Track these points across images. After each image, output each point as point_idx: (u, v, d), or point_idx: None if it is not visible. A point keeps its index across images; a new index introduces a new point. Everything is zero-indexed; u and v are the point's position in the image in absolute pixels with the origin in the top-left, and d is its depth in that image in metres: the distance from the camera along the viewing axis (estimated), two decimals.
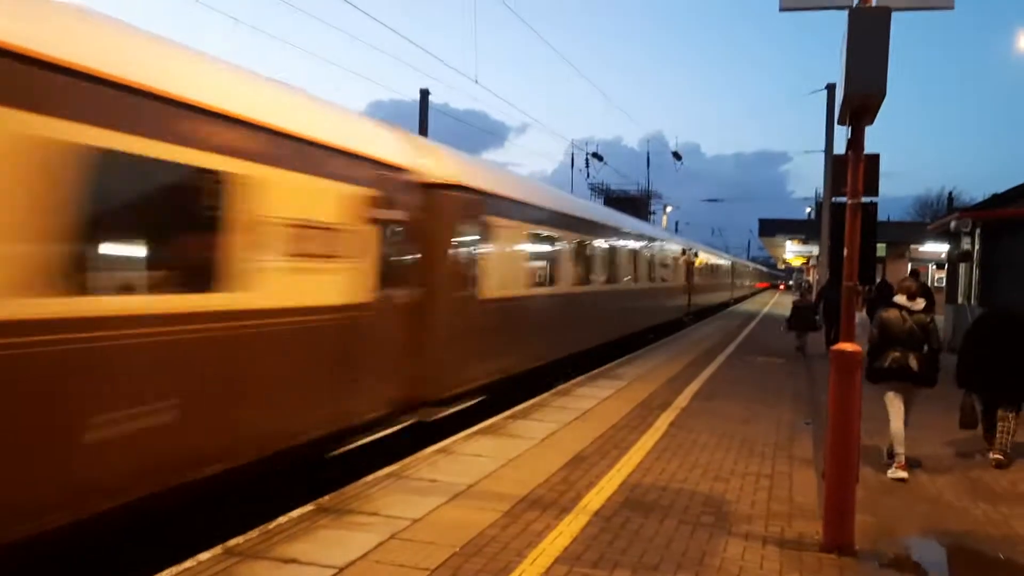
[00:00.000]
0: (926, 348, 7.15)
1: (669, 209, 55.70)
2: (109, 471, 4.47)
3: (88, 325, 4.26)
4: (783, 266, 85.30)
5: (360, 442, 7.13)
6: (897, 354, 7.12)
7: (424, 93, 24.13)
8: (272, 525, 5.20)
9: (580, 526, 5.36)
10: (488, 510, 5.62)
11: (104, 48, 4.51)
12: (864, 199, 5.23)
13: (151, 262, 5.13)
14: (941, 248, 26.46)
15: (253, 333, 5.61)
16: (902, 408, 7.26)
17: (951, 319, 18.40)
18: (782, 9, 5.19)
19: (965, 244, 18.05)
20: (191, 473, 5.09)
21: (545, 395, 10.84)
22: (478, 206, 9.23)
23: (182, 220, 5.33)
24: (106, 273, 4.67)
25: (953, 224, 17.77)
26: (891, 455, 7.20)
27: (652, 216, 44.58)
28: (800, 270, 66.22)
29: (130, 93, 4.50)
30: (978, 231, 17.16)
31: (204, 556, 4.64)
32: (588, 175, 37.88)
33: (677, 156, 39.04)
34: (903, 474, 6.93)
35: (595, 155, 35.83)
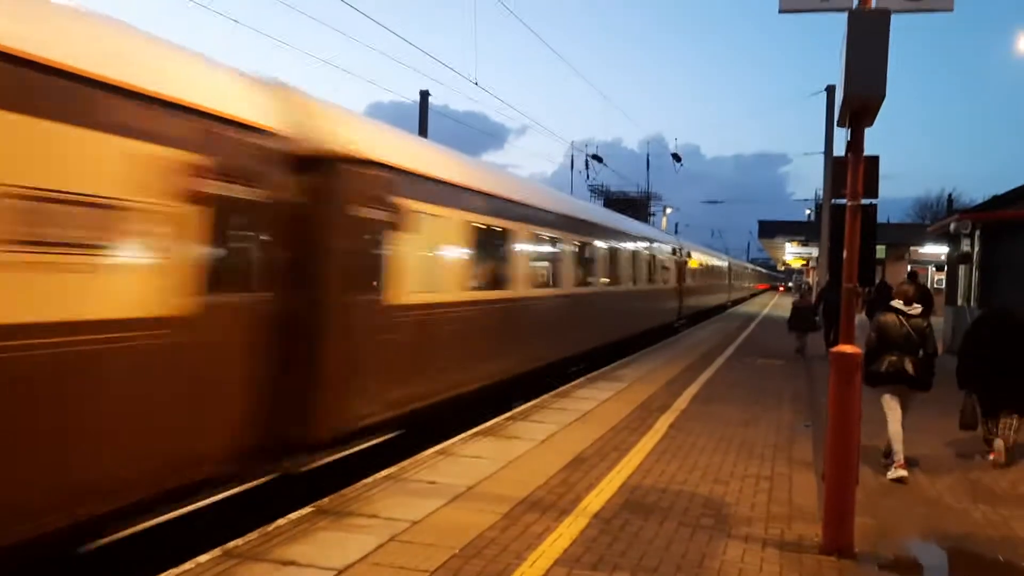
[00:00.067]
0: (922, 352, 7.20)
1: (669, 211, 55.74)
2: None
3: None
4: (783, 268, 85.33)
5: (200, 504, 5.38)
6: (894, 358, 7.17)
7: (424, 95, 24.15)
8: (271, 527, 5.20)
9: (579, 528, 5.35)
10: (487, 512, 5.62)
11: None
12: (864, 201, 5.23)
13: None
14: (941, 250, 26.49)
15: None
16: (899, 410, 7.29)
17: (951, 321, 18.41)
18: (782, 11, 5.19)
19: (965, 246, 18.05)
20: None
21: (545, 396, 10.84)
22: (389, 187, 7.30)
23: None
24: None
25: (953, 226, 17.78)
26: (888, 455, 7.24)
27: (652, 218, 44.65)
28: (800, 272, 66.25)
29: None
30: (978, 233, 17.17)
31: (203, 558, 4.64)
32: (588, 177, 37.96)
33: (677, 158, 39.05)
34: (903, 472, 6.94)
35: (595, 157, 35.87)
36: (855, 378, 5.13)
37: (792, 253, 47.75)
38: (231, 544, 4.86)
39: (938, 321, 19.95)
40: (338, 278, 6.39)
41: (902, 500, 6.38)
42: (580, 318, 14.55)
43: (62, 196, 4.15)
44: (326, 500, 5.82)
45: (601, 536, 5.22)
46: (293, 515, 5.46)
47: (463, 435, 8.21)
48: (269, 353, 5.82)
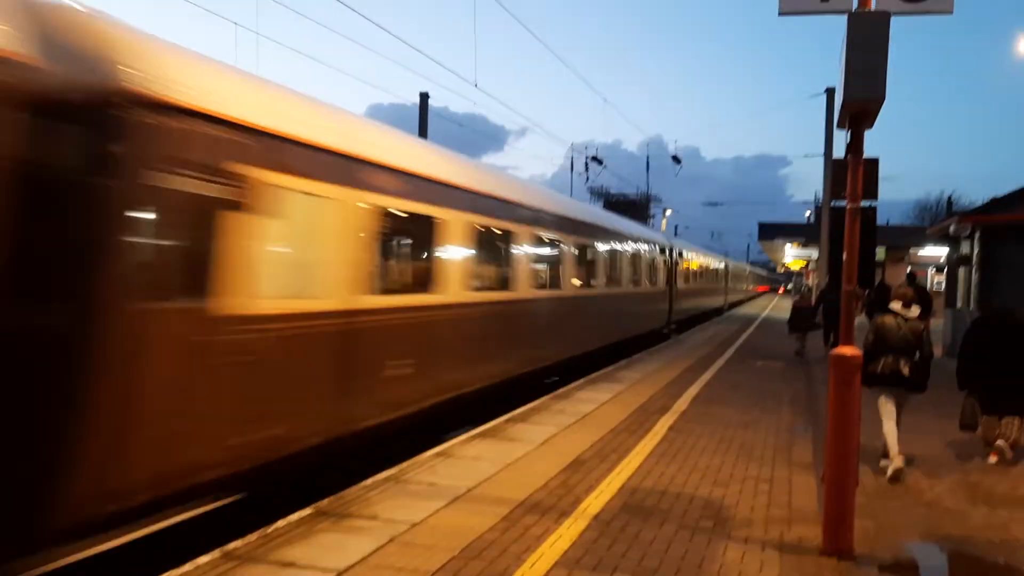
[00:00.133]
0: (918, 355, 7.29)
1: (668, 213, 55.73)
2: None
3: None
4: (782, 270, 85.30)
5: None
6: (890, 359, 7.26)
7: (424, 97, 24.18)
8: (270, 529, 5.19)
9: (579, 530, 5.35)
10: (487, 514, 5.61)
11: None
12: (863, 203, 5.24)
13: None
14: (940, 252, 26.53)
15: None
16: (894, 410, 7.41)
17: (950, 323, 18.41)
18: (781, 13, 5.20)
19: (964, 248, 18.06)
20: None
21: (544, 399, 10.83)
22: (230, 151, 5.29)
23: None
24: None
25: (952, 228, 17.79)
26: (886, 455, 7.31)
27: (651, 220, 44.60)
28: (799, 274, 66.27)
29: None
30: (977, 235, 17.17)
31: (202, 560, 4.63)
32: (588, 179, 37.91)
33: (676, 160, 39.01)
34: (900, 463, 7.06)
35: (594, 159, 35.83)
36: (855, 380, 5.13)
37: (792, 255, 47.74)
38: (230, 546, 4.86)
39: (938, 323, 19.98)
40: (118, 279, 4.46)
41: (902, 502, 6.38)
42: (539, 328, 12.13)
43: None
44: (325, 502, 5.81)
45: (600, 538, 5.22)
46: (292, 517, 5.45)
47: (462, 437, 8.20)
48: None
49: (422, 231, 8.37)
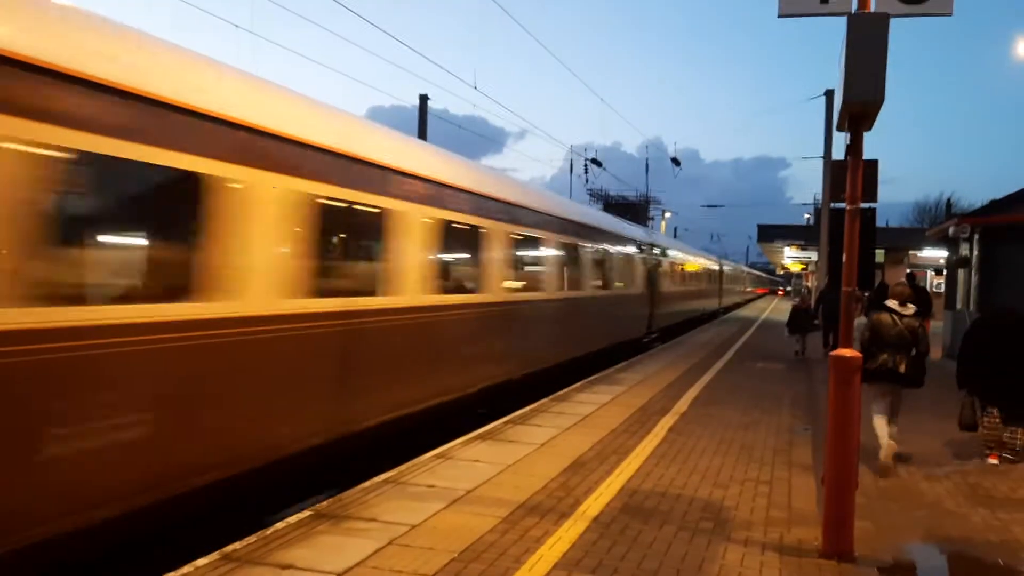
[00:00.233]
0: (914, 351, 7.50)
1: (668, 215, 55.74)
2: None
3: None
4: (782, 272, 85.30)
5: None
6: (886, 356, 7.46)
7: (423, 99, 24.21)
8: (270, 531, 5.19)
9: (579, 532, 5.35)
10: (486, 516, 5.61)
11: None
12: (863, 204, 5.24)
13: None
14: (940, 254, 26.50)
15: None
16: (884, 405, 7.67)
17: (950, 325, 18.41)
18: (780, 15, 5.20)
19: (964, 250, 18.05)
20: None
21: (544, 400, 10.82)
22: None
23: None
24: None
25: (952, 230, 17.78)
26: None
27: (651, 222, 44.62)
28: (799, 276, 66.25)
29: None
30: (977, 236, 17.17)
31: (201, 562, 4.62)
32: (587, 181, 37.93)
33: (676, 162, 39.04)
34: (894, 447, 7.33)
35: (594, 161, 35.85)
36: (854, 381, 5.13)
37: (791, 257, 47.72)
38: (229, 548, 4.85)
39: (937, 325, 20.00)
40: None
41: (901, 503, 6.38)
42: (468, 342, 9.66)
43: None
44: (325, 504, 5.80)
45: (600, 540, 5.21)
46: (292, 519, 5.45)
47: (462, 439, 8.19)
48: None
49: (290, 214, 6.12)
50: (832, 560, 4.96)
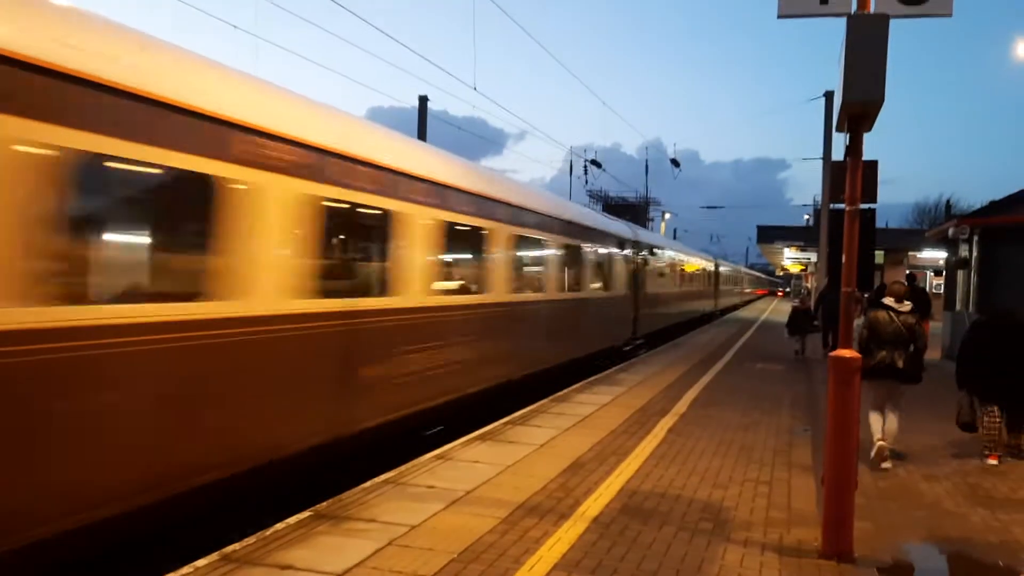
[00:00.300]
0: (912, 348, 7.62)
1: (668, 216, 55.79)
2: None
3: None
4: (781, 273, 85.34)
5: None
6: (884, 353, 7.57)
7: (423, 100, 24.24)
8: (269, 532, 5.18)
9: (578, 533, 5.34)
10: (486, 516, 5.61)
11: None
12: (862, 205, 5.24)
13: None
14: (939, 255, 26.53)
15: None
16: (881, 406, 7.78)
17: (949, 325, 18.43)
18: (780, 16, 5.20)
19: (963, 251, 18.07)
20: None
21: (544, 401, 10.82)
22: None
23: None
24: None
25: (951, 231, 17.80)
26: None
27: (651, 223, 44.67)
28: (798, 277, 66.29)
29: None
30: (976, 238, 17.19)
31: (201, 563, 4.62)
32: (587, 182, 37.99)
33: (675, 163, 39.09)
34: (883, 442, 7.52)
35: (593, 162, 35.90)
36: (854, 382, 5.13)
37: (790, 258, 47.77)
38: (229, 548, 4.85)
39: (937, 326, 20.01)
40: None
41: (901, 504, 6.38)
42: (412, 354, 8.12)
43: None
44: (324, 504, 5.80)
45: (600, 541, 5.21)
46: (291, 519, 5.45)
47: (462, 439, 8.19)
48: None
49: (181, 195, 5.42)
50: (832, 560, 4.96)
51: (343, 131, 7.22)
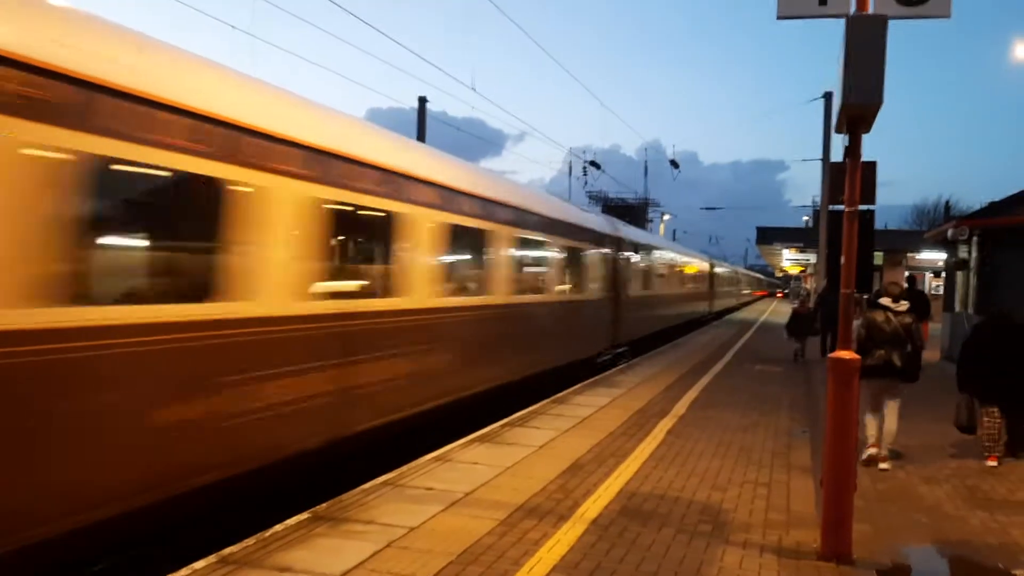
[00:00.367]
0: (909, 347, 7.67)
1: (667, 217, 55.83)
2: None
3: None
4: (780, 274, 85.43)
5: None
6: (882, 352, 7.63)
7: (422, 101, 24.25)
8: (268, 533, 5.17)
9: (577, 535, 5.34)
10: (485, 518, 5.60)
11: None
12: (861, 207, 5.24)
13: None
14: (938, 256, 26.54)
15: None
16: (877, 406, 7.84)
17: (948, 327, 18.43)
18: (779, 17, 5.20)
19: (962, 252, 18.07)
20: None
21: (543, 403, 10.81)
22: None
23: None
24: None
25: (950, 232, 17.80)
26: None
27: (650, 224, 44.70)
28: (798, 278, 66.30)
29: None
30: (975, 239, 17.19)
31: (199, 565, 4.61)
32: (586, 183, 38.01)
33: (675, 164, 39.11)
34: (874, 451, 7.60)
35: (593, 163, 35.91)
36: (853, 383, 5.13)
37: (790, 260, 47.79)
38: (227, 550, 4.84)
39: (936, 327, 20.01)
40: None
41: (900, 506, 6.38)
42: (328, 371, 6.66)
43: None
44: (323, 506, 5.80)
45: (599, 542, 5.21)
46: (290, 521, 5.44)
47: (461, 441, 8.18)
48: None
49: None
50: (830, 562, 4.95)
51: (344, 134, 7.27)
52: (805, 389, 13.23)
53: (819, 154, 24.46)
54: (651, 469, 7.24)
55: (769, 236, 39.53)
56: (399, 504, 5.89)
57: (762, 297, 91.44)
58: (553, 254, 13.10)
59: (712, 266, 40.35)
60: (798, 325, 18.69)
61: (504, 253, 10.74)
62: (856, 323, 6.46)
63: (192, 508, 5.37)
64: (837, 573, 4.83)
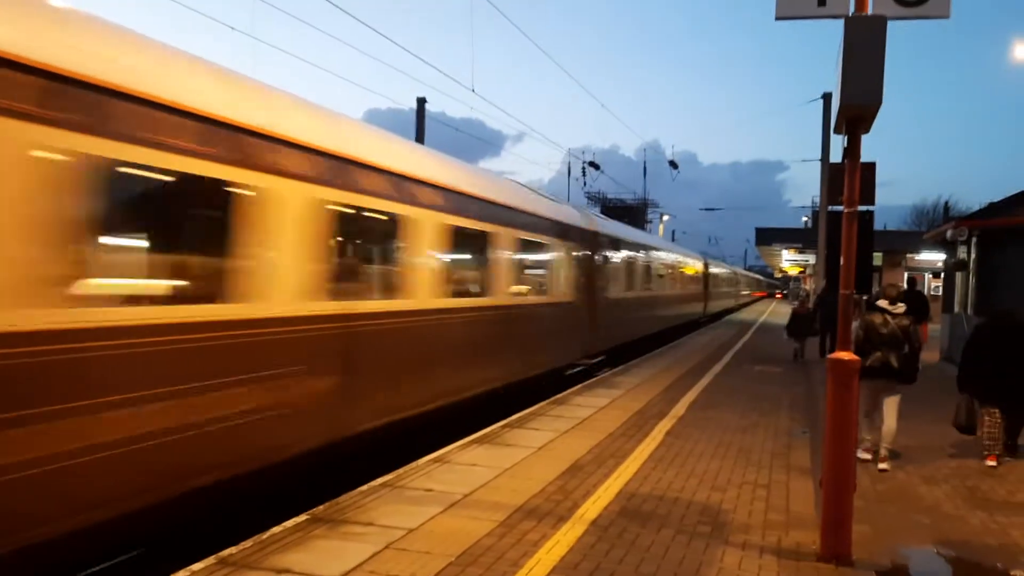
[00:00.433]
0: (907, 348, 7.70)
1: (666, 218, 55.85)
2: None
3: None
4: (780, 275, 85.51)
5: None
6: (880, 354, 7.66)
7: (421, 102, 24.25)
8: (266, 535, 5.16)
9: (576, 536, 5.33)
10: (484, 520, 5.59)
11: None
12: (860, 207, 5.24)
13: None
14: (938, 257, 26.54)
15: None
16: (873, 408, 7.86)
17: (948, 328, 18.43)
18: (778, 17, 5.20)
19: (961, 253, 18.08)
20: None
21: (542, 404, 10.81)
22: None
23: None
24: None
25: (949, 233, 17.80)
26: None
27: (649, 224, 44.74)
28: (797, 279, 66.32)
29: None
30: (974, 240, 17.20)
31: (197, 567, 4.60)
32: (585, 184, 38.07)
33: (674, 165, 39.16)
34: (867, 456, 7.71)
35: (592, 164, 35.95)
36: (852, 384, 5.12)
37: (789, 260, 47.81)
38: (225, 552, 4.83)
39: (935, 328, 20.02)
40: None
41: (899, 506, 6.37)
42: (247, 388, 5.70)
43: None
44: (321, 508, 5.79)
45: (598, 543, 5.20)
46: (288, 523, 5.43)
47: (459, 442, 8.18)
48: None
49: None
50: (830, 563, 4.95)
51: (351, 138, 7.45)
52: (804, 389, 13.22)
53: (818, 154, 24.46)
54: (650, 470, 7.24)
55: (768, 237, 39.55)
56: (398, 506, 5.88)
57: (761, 298, 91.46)
58: (503, 250, 10.72)
59: (706, 265, 37.58)
60: (797, 325, 18.77)
61: (430, 246, 8.49)
62: (854, 325, 6.47)
63: (191, 509, 5.36)
64: (837, 574, 4.82)
